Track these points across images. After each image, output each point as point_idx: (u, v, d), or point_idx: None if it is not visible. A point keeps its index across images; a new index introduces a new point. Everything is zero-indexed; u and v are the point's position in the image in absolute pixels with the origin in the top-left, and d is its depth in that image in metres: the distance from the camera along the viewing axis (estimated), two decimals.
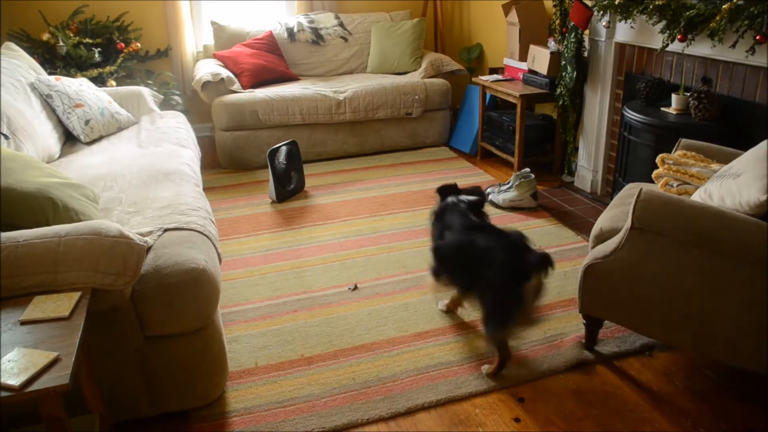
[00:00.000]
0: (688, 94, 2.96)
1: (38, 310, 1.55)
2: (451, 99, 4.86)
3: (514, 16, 4.27)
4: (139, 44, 4.61)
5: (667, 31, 2.93)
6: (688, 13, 2.78)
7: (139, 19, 4.76)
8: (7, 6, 4.41)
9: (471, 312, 2.55)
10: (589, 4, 3.48)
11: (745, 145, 2.40)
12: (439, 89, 4.67)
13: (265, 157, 3.85)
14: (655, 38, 3.13)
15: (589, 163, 3.90)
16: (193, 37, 4.98)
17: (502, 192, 3.68)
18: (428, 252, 2.46)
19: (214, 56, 4.72)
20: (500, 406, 2.07)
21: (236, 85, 4.36)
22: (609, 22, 3.39)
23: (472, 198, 2.41)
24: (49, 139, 3.11)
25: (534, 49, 4.10)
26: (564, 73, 3.79)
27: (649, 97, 3.18)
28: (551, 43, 3.95)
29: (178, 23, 4.83)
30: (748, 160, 1.97)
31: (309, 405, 2.07)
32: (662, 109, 3.10)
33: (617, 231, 2.15)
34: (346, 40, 5.08)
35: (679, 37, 2.83)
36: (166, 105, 4.58)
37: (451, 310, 2.59)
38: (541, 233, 3.32)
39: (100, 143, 3.35)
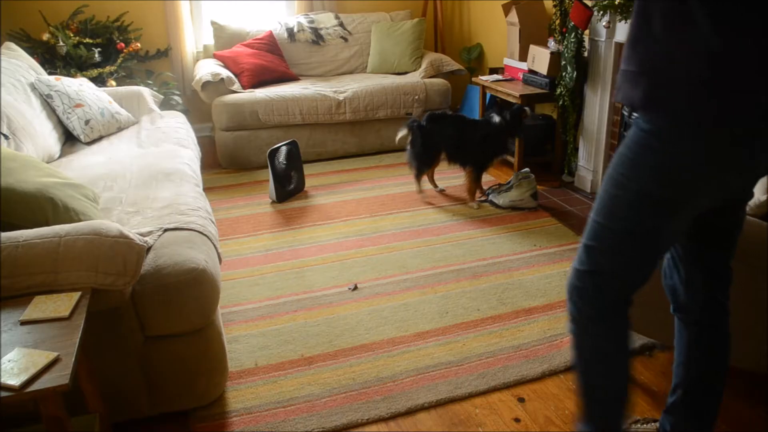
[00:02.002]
0: None
1: (38, 310, 1.55)
2: (451, 99, 4.86)
3: (514, 16, 4.27)
4: (139, 44, 4.60)
5: None
6: None
7: (139, 19, 4.76)
8: (7, 6, 4.41)
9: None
10: (589, 4, 3.48)
11: None
12: (439, 89, 4.67)
13: (265, 157, 3.85)
14: None
15: (589, 163, 3.90)
16: (193, 37, 4.98)
17: (502, 192, 3.67)
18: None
19: (214, 56, 4.72)
20: (500, 406, 2.07)
21: (236, 85, 4.36)
22: (609, 22, 3.39)
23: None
24: (49, 139, 3.11)
25: (534, 49, 4.10)
26: (564, 73, 3.79)
27: None
28: (551, 43, 3.95)
29: (178, 23, 4.83)
30: None
31: (309, 405, 2.07)
32: None
33: None
34: (346, 40, 5.08)
35: None
36: (166, 105, 4.58)
37: None
38: (541, 233, 3.32)
39: (100, 143, 3.35)
